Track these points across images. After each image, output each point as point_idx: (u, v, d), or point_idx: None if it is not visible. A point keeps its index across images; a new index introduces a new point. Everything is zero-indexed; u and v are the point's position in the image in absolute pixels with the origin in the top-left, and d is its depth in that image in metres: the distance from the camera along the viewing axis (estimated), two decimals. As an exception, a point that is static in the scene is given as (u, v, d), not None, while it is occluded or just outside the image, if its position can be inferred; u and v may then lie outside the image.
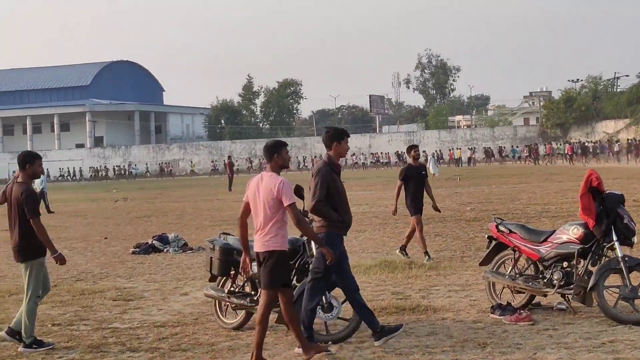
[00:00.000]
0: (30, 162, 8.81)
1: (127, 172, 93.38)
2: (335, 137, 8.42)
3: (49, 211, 31.11)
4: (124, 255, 16.79)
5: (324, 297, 8.47)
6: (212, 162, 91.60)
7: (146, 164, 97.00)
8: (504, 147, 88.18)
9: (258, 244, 7.67)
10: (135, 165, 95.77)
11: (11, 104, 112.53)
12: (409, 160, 14.66)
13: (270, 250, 7.59)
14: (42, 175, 31.71)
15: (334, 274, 8.33)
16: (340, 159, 8.68)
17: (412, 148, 14.72)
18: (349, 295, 8.44)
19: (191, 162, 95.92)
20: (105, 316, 10.26)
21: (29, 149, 77.60)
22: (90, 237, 21.14)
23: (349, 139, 8.54)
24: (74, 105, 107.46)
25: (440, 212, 15.60)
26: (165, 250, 17.08)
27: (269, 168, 7.82)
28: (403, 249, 14.35)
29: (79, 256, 16.99)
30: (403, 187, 14.27)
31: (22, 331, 8.63)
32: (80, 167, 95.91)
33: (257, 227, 7.70)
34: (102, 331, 9.35)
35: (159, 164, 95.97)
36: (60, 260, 8.76)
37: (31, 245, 8.63)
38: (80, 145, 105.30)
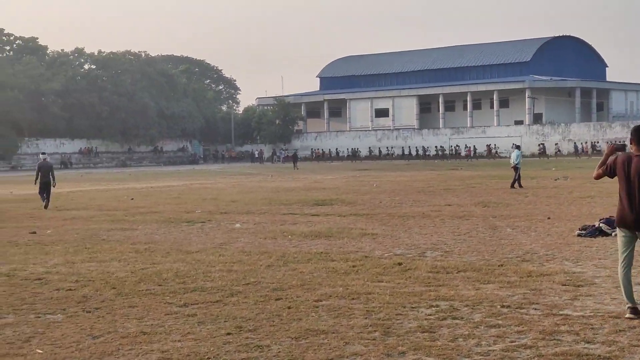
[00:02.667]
0: None
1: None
2: None
3: (520, 186, 32.64)
4: (569, 237, 16.32)
5: None
6: None
7: (583, 142, 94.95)
8: None
9: None
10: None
11: (453, 81, 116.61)
12: None
13: None
14: (517, 150, 32.46)
15: None
16: None
17: None
18: None
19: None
20: (555, 301, 9.95)
21: (468, 125, 79.65)
22: (533, 216, 20.94)
23: None
24: (514, 81, 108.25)
25: None
26: (613, 234, 16.28)
27: None
28: None
29: (523, 235, 16.87)
30: None
31: None
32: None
33: None
34: (553, 317, 9.05)
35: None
36: None
37: None
38: (518, 122, 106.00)
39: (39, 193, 28.06)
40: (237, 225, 20.17)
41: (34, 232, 19.31)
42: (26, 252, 15.52)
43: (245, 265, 13.27)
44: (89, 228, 20.19)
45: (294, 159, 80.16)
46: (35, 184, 28.38)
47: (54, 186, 28.30)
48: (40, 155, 30.28)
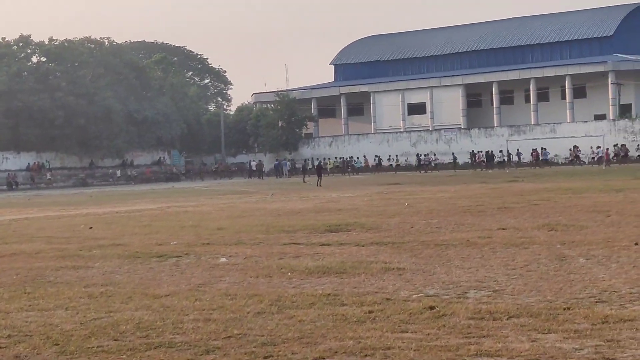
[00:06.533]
0: None
1: None
2: None
3: None
4: (663, 270, 16.21)
5: None
6: None
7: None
8: None
9: None
10: None
11: (510, 64, 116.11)
12: None
13: None
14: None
15: None
16: None
17: None
18: None
19: None
20: (638, 356, 9.82)
21: (532, 122, 79.65)
22: (615, 241, 20.77)
23: None
24: (591, 63, 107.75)
25: None
26: None
27: None
28: None
29: (600, 268, 16.71)
30: None
31: None
32: (599, 146, 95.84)
33: None
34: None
35: None
36: None
37: None
38: (599, 117, 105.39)
39: None
40: (223, 259, 20.17)
41: (-44, 275, 19.35)
42: (-57, 301, 15.52)
43: (228, 312, 13.23)
44: (32, 267, 20.23)
45: (319, 171, 75.06)
46: None
47: None
48: None
